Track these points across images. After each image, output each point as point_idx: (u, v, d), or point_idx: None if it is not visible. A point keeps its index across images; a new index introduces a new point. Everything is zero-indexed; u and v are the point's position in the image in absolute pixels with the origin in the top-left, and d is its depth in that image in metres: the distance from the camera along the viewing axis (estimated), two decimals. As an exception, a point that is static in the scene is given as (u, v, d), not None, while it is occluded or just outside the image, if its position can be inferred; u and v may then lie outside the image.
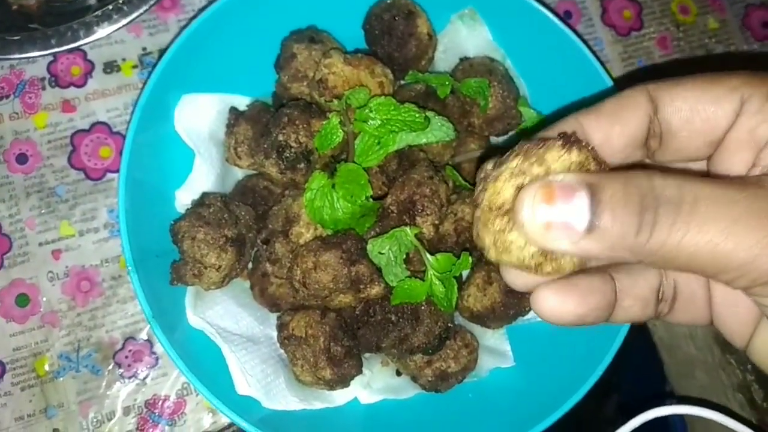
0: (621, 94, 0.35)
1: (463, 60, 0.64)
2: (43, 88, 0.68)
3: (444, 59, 0.66)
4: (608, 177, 0.29)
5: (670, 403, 0.63)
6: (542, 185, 0.29)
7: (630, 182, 0.28)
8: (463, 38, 0.66)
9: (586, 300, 0.33)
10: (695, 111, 0.34)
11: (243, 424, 0.51)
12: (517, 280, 0.34)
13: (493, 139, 0.66)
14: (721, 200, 0.28)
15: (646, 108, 0.34)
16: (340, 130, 0.54)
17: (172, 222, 0.55)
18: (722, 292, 0.34)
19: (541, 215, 0.28)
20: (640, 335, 0.74)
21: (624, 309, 0.34)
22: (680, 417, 0.74)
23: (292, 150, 0.54)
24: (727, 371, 0.74)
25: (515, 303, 0.58)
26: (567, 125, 0.34)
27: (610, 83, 0.61)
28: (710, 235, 0.27)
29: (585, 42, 0.63)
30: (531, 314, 0.60)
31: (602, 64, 0.62)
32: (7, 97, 0.67)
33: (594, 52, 0.63)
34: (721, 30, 0.82)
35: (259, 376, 0.54)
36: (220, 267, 0.54)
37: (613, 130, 0.34)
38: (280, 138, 0.54)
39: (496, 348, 0.62)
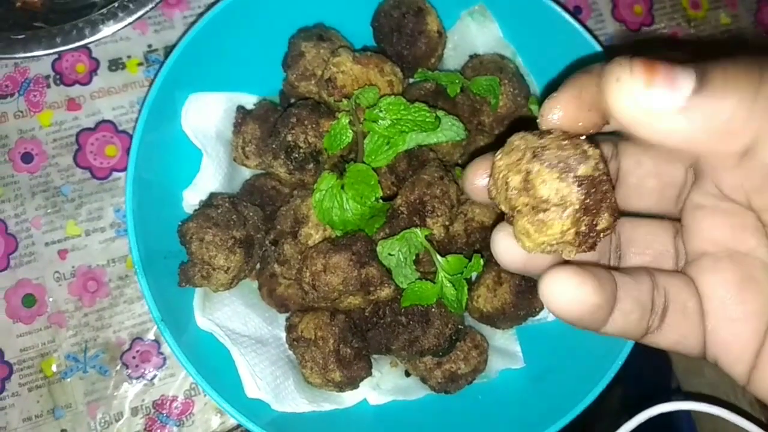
0: None
1: (473, 57, 0.63)
2: (48, 86, 0.67)
3: (454, 57, 0.65)
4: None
5: (678, 399, 0.62)
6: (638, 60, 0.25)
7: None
8: (473, 35, 0.65)
9: (602, 287, 0.27)
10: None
11: (252, 427, 0.51)
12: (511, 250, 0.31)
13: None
14: None
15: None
16: (350, 131, 0.53)
17: (180, 223, 0.55)
18: (718, 303, 0.30)
19: (639, 71, 0.25)
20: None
21: (624, 314, 0.29)
22: (688, 414, 0.73)
23: (301, 150, 0.54)
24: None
25: (526, 304, 0.57)
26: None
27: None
28: None
29: (595, 38, 0.62)
30: (541, 315, 0.60)
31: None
32: (12, 95, 0.67)
33: (605, 48, 0.62)
34: (733, 25, 0.81)
35: (269, 379, 0.54)
36: (228, 269, 0.53)
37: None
38: (289, 138, 0.54)
39: (506, 349, 0.62)
